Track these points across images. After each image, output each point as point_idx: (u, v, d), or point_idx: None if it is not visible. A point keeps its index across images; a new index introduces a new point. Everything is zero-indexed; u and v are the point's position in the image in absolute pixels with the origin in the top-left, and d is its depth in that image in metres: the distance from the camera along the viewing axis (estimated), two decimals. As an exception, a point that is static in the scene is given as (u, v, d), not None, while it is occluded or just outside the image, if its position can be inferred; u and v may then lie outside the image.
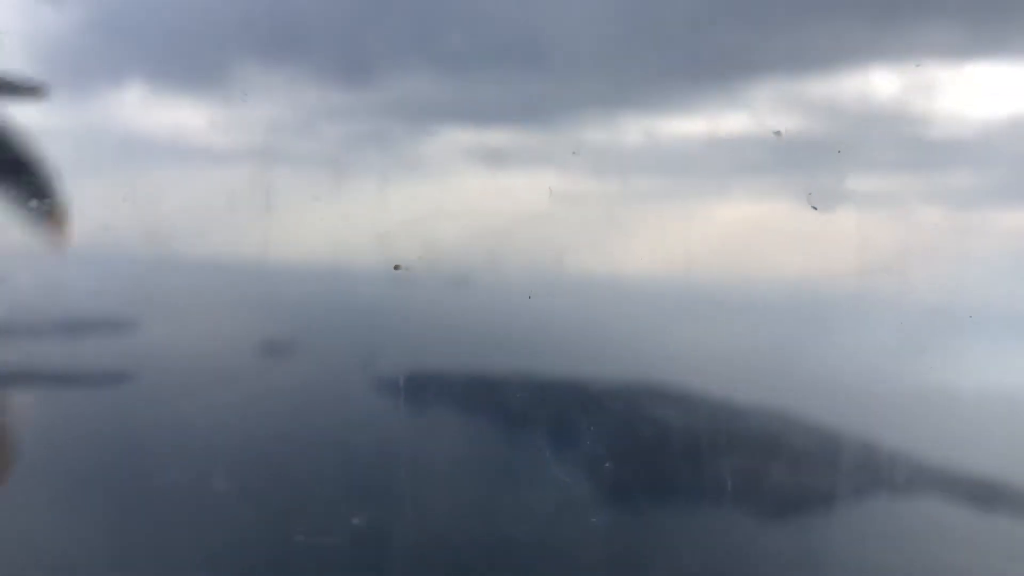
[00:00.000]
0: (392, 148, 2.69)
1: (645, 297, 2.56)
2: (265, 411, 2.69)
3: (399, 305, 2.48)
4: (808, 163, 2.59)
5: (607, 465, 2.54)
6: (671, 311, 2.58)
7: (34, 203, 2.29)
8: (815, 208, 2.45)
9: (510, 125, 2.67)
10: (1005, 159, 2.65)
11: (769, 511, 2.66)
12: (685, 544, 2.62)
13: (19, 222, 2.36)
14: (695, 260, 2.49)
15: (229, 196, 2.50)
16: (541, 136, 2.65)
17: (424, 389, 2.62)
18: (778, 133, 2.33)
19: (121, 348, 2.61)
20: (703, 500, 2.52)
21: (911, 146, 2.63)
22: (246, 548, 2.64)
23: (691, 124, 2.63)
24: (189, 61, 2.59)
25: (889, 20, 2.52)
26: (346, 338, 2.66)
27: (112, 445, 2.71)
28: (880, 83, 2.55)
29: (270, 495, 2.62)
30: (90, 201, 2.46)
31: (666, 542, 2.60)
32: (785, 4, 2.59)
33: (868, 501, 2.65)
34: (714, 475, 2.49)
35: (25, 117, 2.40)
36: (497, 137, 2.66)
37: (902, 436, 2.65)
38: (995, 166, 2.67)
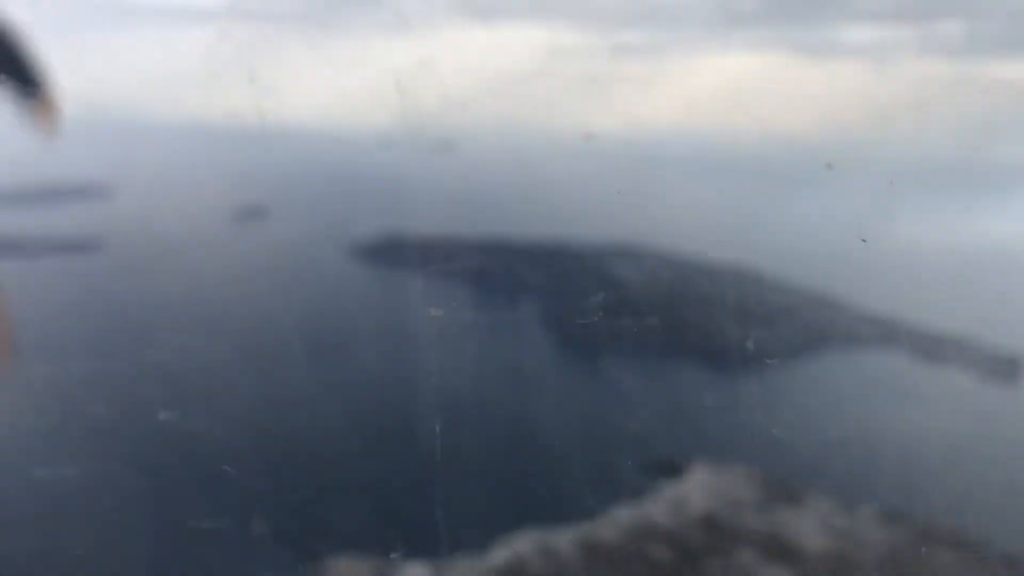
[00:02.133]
0: (376, 3, 2.55)
1: (634, 155, 2.52)
2: (239, 278, 2.65)
3: (382, 170, 2.41)
4: (800, 14, 2.49)
5: (581, 323, 2.56)
6: (659, 169, 2.56)
7: (25, 92, 2.17)
8: (808, 60, 2.38)
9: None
10: (998, 9, 2.58)
11: (738, 365, 2.74)
12: (653, 396, 2.69)
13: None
14: (687, 115, 2.45)
15: (207, 58, 2.38)
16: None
17: (400, 254, 2.60)
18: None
19: (98, 215, 2.54)
20: (674, 355, 2.56)
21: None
22: (239, 404, 2.68)
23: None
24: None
25: None
26: (326, 203, 2.60)
27: (87, 313, 2.68)
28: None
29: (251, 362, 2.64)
30: (64, 66, 2.33)
31: (637, 394, 2.66)
32: None
33: (833, 355, 2.72)
34: (683, 331, 2.54)
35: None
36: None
37: (877, 293, 2.69)
38: (988, 17, 2.60)
